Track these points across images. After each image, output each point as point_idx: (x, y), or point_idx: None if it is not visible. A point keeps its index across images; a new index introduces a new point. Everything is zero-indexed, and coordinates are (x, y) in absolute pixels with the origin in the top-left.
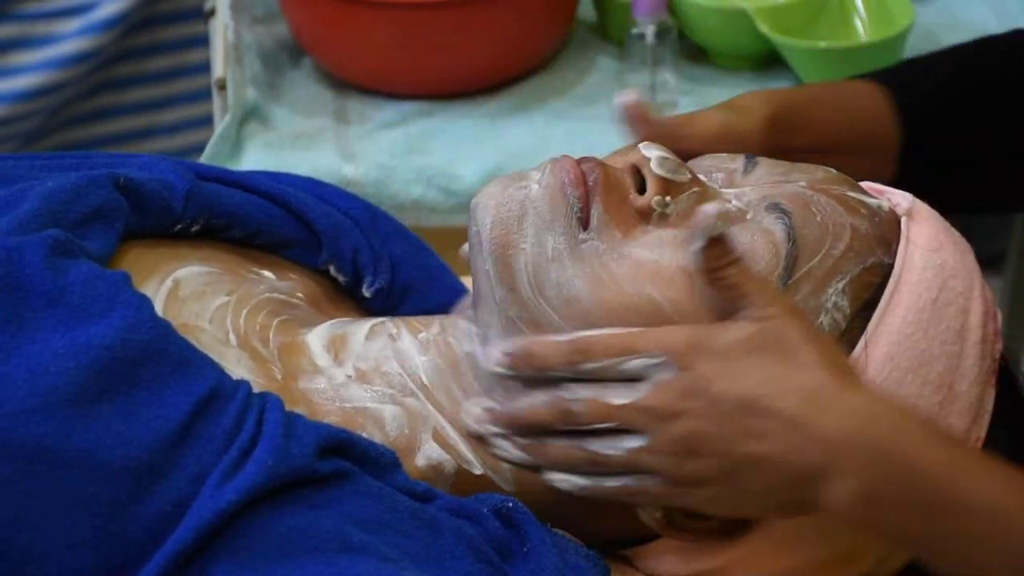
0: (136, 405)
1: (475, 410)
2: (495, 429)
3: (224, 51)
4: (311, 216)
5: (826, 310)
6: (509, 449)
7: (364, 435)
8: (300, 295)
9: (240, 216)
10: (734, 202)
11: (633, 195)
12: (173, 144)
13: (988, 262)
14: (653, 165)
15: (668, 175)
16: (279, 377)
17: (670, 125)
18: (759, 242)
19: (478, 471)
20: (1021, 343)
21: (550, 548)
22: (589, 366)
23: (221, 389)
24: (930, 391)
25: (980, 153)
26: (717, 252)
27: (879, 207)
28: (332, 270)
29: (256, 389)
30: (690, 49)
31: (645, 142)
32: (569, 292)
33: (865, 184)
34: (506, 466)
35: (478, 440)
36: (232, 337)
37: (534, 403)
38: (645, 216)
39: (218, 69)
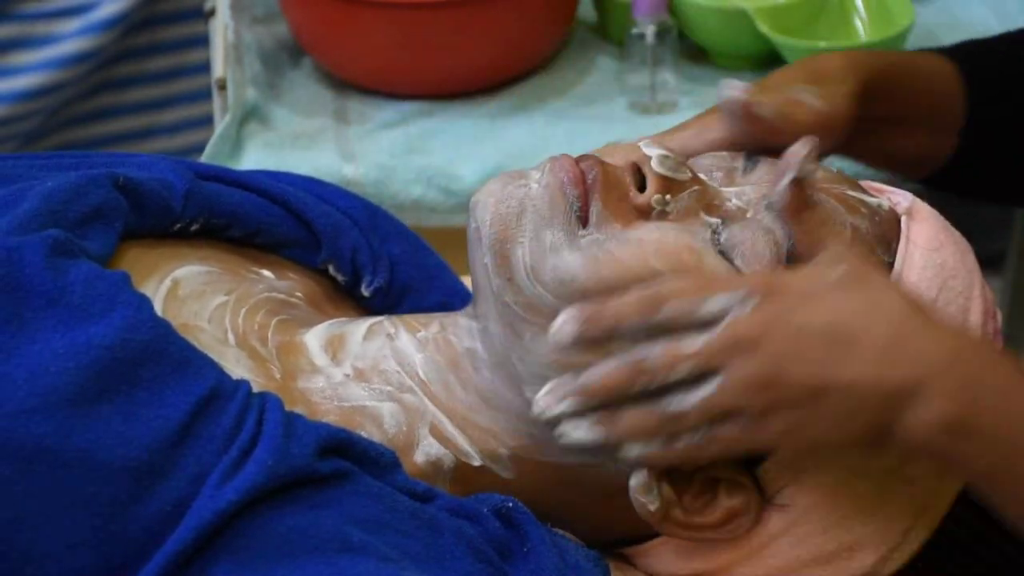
0: (136, 405)
1: (546, 398)
2: (566, 407)
3: (224, 51)
4: (310, 215)
5: None
6: (582, 428)
7: (363, 434)
8: (299, 294)
9: (239, 215)
10: (734, 201)
11: (633, 193)
12: (173, 144)
13: (988, 262)
14: (654, 163)
15: (669, 173)
16: (278, 376)
17: (771, 120)
18: (760, 241)
19: (477, 463)
20: (1021, 343)
21: (550, 548)
22: (664, 315)
23: (221, 389)
24: None
25: None
26: (801, 194)
27: (879, 206)
28: (331, 269)
29: (255, 388)
30: (690, 49)
31: (645, 140)
32: (566, 274)
33: (865, 183)
34: (505, 454)
35: (549, 426)
36: (231, 336)
37: (607, 368)
38: (644, 214)
39: (218, 69)
